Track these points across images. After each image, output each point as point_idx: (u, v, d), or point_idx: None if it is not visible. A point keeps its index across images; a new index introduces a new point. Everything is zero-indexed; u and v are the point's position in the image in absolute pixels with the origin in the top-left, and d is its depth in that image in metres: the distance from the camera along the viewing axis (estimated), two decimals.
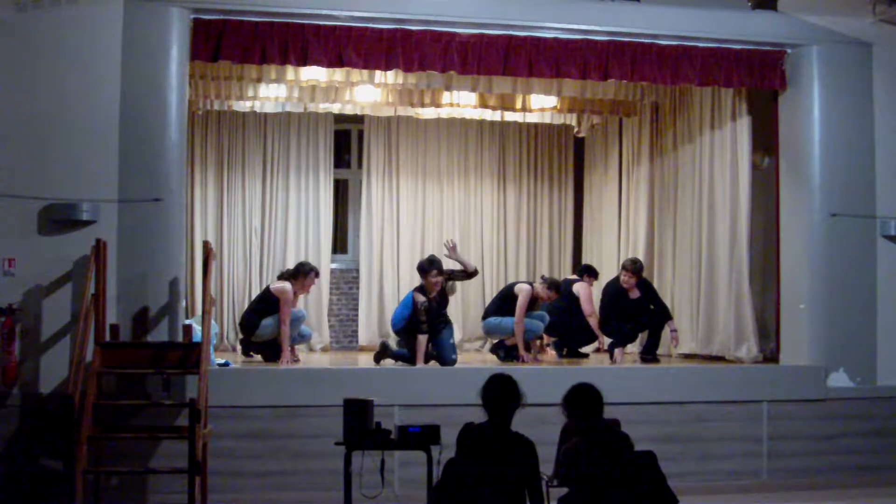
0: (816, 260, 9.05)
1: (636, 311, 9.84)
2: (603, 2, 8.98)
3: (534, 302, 9.77)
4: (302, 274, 9.43)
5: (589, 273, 10.90)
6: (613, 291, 9.98)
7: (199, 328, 7.88)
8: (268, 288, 9.53)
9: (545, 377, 8.39)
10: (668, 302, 10.90)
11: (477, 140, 12.39)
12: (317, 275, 9.77)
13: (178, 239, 8.18)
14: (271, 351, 9.26)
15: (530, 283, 10.03)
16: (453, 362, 9.07)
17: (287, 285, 9.24)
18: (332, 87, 10.36)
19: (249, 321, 9.36)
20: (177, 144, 8.10)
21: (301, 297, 9.99)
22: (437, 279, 8.97)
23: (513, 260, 12.43)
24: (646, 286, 9.98)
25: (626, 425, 5.14)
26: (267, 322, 9.23)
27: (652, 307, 9.88)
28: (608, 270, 11.63)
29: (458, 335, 11.65)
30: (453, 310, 11.83)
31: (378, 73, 9.55)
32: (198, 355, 7.48)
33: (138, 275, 7.88)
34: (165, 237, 8.02)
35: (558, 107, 11.08)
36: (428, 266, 9.04)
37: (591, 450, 4.96)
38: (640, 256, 10.87)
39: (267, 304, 9.27)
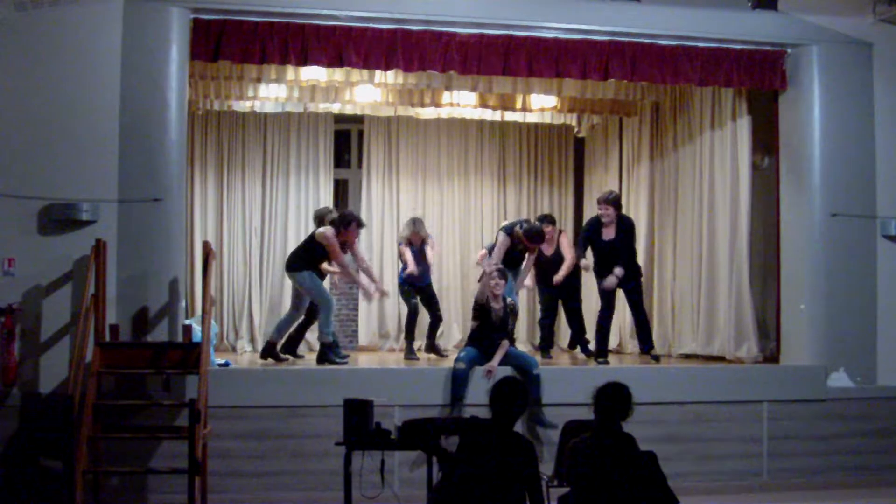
0: (816, 260, 9.05)
1: (608, 252, 9.53)
2: (603, 2, 8.98)
3: (517, 253, 9.70)
4: (343, 224, 9.19)
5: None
6: (593, 223, 9.76)
7: (199, 328, 7.89)
8: (312, 235, 9.27)
9: (548, 379, 8.38)
10: (667, 302, 10.91)
11: (477, 140, 12.39)
12: (359, 225, 9.46)
13: (178, 239, 8.18)
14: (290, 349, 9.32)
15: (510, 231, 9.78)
16: (537, 376, 8.31)
17: (330, 229, 9.08)
18: (332, 87, 10.36)
19: (295, 261, 9.15)
20: (177, 144, 8.10)
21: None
22: (494, 282, 8.57)
23: None
24: (626, 229, 9.63)
25: (627, 425, 5.12)
26: (305, 274, 9.03)
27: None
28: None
29: (458, 334, 11.69)
30: (454, 308, 11.89)
31: (378, 73, 9.55)
32: (198, 355, 7.48)
33: (138, 275, 7.89)
34: (165, 237, 8.03)
35: (558, 107, 11.08)
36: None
37: (597, 448, 4.96)
38: (640, 256, 10.75)
39: (311, 251, 9.08)
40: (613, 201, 9.69)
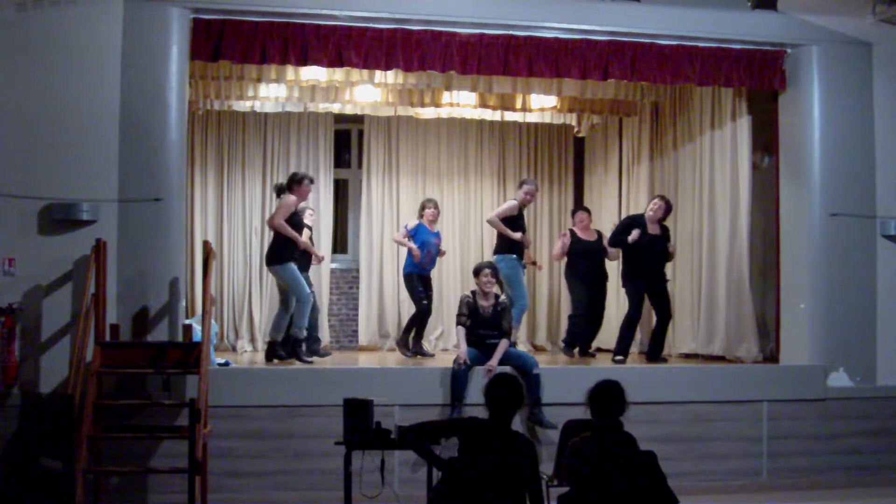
0: (816, 260, 9.06)
1: (647, 250, 9.54)
2: (603, 2, 8.98)
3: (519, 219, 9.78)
4: (295, 182, 9.07)
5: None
6: (633, 219, 9.84)
7: (199, 328, 7.89)
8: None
9: (547, 378, 8.37)
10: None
11: (477, 140, 12.39)
12: (311, 181, 9.36)
13: (178, 239, 8.18)
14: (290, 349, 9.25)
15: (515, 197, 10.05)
16: (537, 376, 8.30)
17: (290, 197, 8.99)
18: (332, 87, 10.36)
19: (273, 254, 9.04)
20: (177, 144, 8.10)
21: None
22: (486, 279, 8.54)
23: None
24: (665, 228, 9.83)
25: (627, 425, 5.12)
26: (286, 266, 8.93)
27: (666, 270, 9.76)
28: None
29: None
30: (454, 308, 11.86)
31: (378, 73, 9.55)
32: (198, 355, 7.49)
33: (138, 275, 7.89)
34: (165, 237, 8.03)
35: (558, 107, 11.09)
36: (479, 268, 8.78)
37: (597, 448, 4.96)
38: None
39: (286, 239, 8.92)
40: (669, 201, 9.84)
